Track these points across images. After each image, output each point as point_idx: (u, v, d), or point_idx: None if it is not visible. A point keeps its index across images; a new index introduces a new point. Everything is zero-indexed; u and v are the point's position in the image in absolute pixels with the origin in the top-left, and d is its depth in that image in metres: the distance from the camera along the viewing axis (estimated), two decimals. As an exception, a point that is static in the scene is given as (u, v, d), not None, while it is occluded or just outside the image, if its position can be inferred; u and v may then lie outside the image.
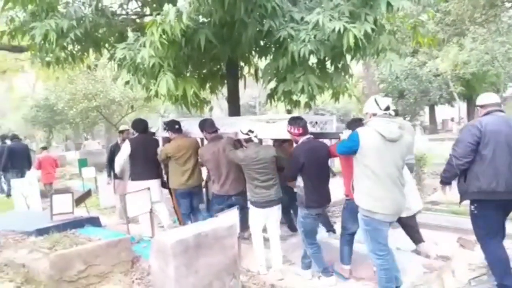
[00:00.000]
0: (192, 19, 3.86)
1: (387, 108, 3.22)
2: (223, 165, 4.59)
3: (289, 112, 6.28)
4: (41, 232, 4.66)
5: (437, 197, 6.75)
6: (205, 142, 5.08)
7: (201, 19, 4.52)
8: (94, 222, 5.39)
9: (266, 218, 4.24)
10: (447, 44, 12.82)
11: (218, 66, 6.10)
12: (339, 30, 3.77)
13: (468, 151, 3.26)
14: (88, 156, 14.40)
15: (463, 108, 22.80)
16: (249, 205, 4.30)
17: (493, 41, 13.74)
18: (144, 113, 19.93)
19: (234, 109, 5.88)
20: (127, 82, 5.30)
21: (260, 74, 6.17)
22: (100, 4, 5.02)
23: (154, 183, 5.26)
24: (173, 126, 5.15)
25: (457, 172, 3.38)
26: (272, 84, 5.27)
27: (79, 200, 6.27)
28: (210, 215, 4.74)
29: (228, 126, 4.98)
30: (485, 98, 3.48)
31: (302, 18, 4.25)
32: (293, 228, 5.33)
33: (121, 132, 6.87)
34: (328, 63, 5.05)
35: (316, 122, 4.72)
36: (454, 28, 12.09)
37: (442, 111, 27.40)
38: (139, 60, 3.92)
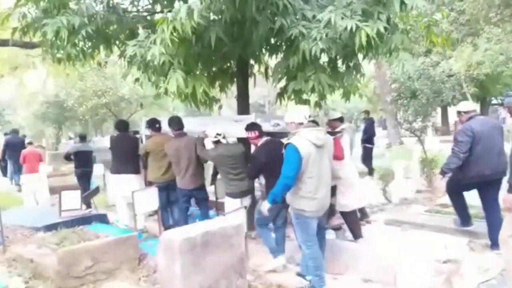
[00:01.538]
0: (203, 17, 3.83)
1: (310, 117, 3.70)
2: (184, 161, 5.02)
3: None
4: (49, 228, 4.71)
5: (447, 200, 6.66)
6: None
7: (212, 16, 4.50)
8: (102, 219, 5.43)
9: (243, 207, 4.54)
10: (461, 44, 12.65)
11: (228, 64, 6.06)
12: (351, 29, 3.72)
13: (467, 148, 4.48)
14: (96, 153, 14.49)
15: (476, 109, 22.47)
16: (225, 196, 4.78)
17: (508, 42, 13.52)
18: (153, 110, 20.01)
19: (244, 107, 5.84)
20: (137, 80, 5.30)
21: (270, 72, 6.13)
22: (111, 1, 5.02)
23: (130, 177, 5.74)
24: (153, 124, 5.65)
25: (459, 164, 4.54)
26: (282, 82, 5.23)
27: (87, 197, 6.31)
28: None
29: (210, 126, 5.11)
30: (467, 105, 4.88)
31: (314, 16, 4.20)
32: None
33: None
34: (339, 62, 5.00)
35: (278, 124, 5.19)
36: (468, 27, 11.94)
37: (455, 112, 27.03)
38: (150, 57, 3.90)
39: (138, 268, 4.04)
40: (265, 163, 4.20)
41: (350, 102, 5.51)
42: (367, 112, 11.02)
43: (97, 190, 6.66)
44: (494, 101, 23.44)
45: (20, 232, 4.85)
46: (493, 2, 9.92)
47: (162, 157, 5.37)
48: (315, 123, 3.95)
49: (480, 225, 5.00)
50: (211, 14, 4.38)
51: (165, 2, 5.15)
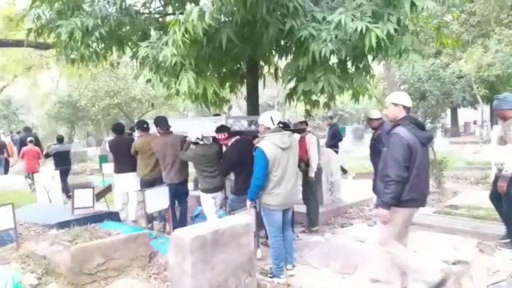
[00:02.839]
0: (214, 19, 3.88)
1: (279, 123, 4.03)
2: (169, 157, 5.45)
3: (308, 112, 6.26)
4: (62, 225, 4.76)
5: (457, 201, 6.62)
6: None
7: (223, 18, 4.54)
8: (114, 217, 5.48)
9: (215, 201, 5.06)
10: (471, 45, 12.55)
11: (238, 65, 6.12)
12: (361, 30, 3.74)
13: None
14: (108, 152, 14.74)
15: (486, 111, 22.28)
16: (200, 192, 5.14)
17: (520, 43, 13.39)
18: (164, 111, 20.16)
19: (253, 108, 5.89)
20: (148, 80, 5.37)
21: (280, 73, 6.17)
22: (124, 3, 5.09)
23: (129, 176, 6.18)
24: (141, 125, 6.15)
25: None
26: (292, 83, 5.26)
27: (99, 195, 6.40)
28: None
29: (193, 126, 5.48)
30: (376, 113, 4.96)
31: (324, 18, 4.23)
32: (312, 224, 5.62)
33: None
34: (349, 63, 5.01)
35: (252, 121, 5.68)
36: (479, 29, 11.84)
37: (465, 114, 26.81)
38: (161, 58, 3.96)
39: (148, 266, 4.08)
40: (236, 160, 4.63)
41: (359, 103, 5.52)
42: (331, 117, 11.01)
43: (109, 188, 6.75)
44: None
45: (33, 229, 4.90)
46: (505, 3, 9.84)
47: (149, 155, 5.79)
48: (286, 126, 4.49)
49: (489, 227, 4.97)
50: (222, 16, 4.43)
51: (177, 4, 5.22)
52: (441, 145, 13.24)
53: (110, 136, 25.01)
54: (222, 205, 5.26)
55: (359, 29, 3.74)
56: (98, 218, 5.10)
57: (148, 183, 5.74)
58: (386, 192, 3.25)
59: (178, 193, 5.57)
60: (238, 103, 20.66)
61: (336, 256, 4.51)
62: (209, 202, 5.06)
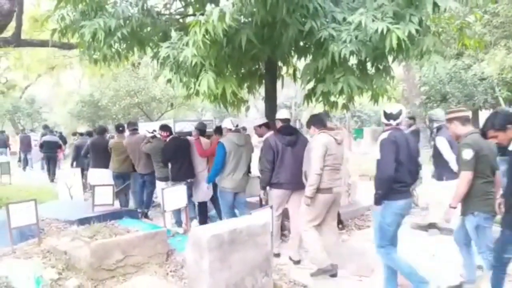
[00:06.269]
0: (234, 19, 3.90)
1: (237, 126, 5.40)
2: (137, 152, 6.62)
3: (326, 113, 6.23)
4: (82, 221, 4.86)
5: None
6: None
7: (243, 19, 4.56)
8: (132, 214, 5.57)
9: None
10: (494, 47, 12.23)
11: (257, 66, 6.13)
12: (382, 31, 3.69)
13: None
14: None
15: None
16: (157, 180, 6.37)
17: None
18: (182, 111, 20.34)
19: (271, 109, 5.88)
20: (169, 80, 5.42)
21: (298, 74, 6.15)
22: (146, 5, 5.17)
23: (103, 171, 7.13)
24: (117, 128, 7.32)
25: None
26: (310, 84, 5.24)
27: (119, 193, 6.52)
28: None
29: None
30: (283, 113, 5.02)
31: (344, 19, 4.20)
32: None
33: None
34: (368, 64, 4.96)
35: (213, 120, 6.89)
36: (502, 30, 11.53)
37: (486, 117, 26.08)
38: (182, 59, 4.00)
39: (165, 263, 4.13)
40: (170, 154, 5.81)
41: (378, 104, 5.46)
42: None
43: (128, 186, 6.88)
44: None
45: (54, 225, 5.01)
46: (531, 4, 9.59)
47: (120, 153, 6.91)
48: (244, 130, 5.90)
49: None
50: (242, 16, 4.44)
51: (197, 5, 5.27)
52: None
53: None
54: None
55: (379, 30, 3.69)
56: (117, 215, 5.19)
57: (119, 176, 6.99)
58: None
59: (146, 182, 6.79)
60: (255, 103, 20.69)
61: (352, 258, 4.48)
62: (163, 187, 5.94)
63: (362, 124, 30.03)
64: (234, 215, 5.23)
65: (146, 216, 6.61)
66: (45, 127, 13.99)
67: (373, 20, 3.76)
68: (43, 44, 10.37)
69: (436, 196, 5.20)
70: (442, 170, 5.07)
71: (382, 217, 3.61)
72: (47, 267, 3.87)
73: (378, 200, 3.58)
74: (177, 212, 5.86)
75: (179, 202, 5.22)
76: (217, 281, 2.94)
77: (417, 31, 3.86)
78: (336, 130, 4.42)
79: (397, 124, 3.61)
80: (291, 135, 4.72)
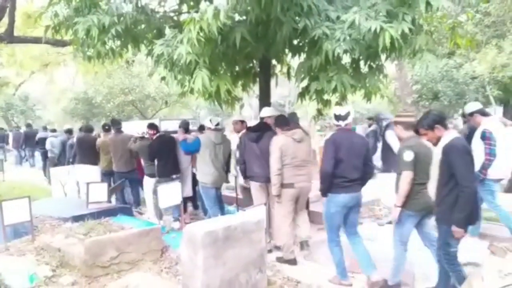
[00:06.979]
0: (229, 17, 3.90)
1: (217, 125, 5.51)
2: (118, 150, 6.91)
3: (319, 111, 6.27)
4: (77, 218, 4.85)
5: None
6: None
7: (237, 17, 4.57)
8: (127, 211, 5.58)
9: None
10: (485, 46, 12.32)
11: (251, 64, 6.14)
12: (375, 30, 3.72)
13: None
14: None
15: (498, 112, 21.84)
16: (146, 177, 6.44)
17: (535, 44, 13.09)
18: (177, 108, 20.30)
19: (265, 107, 5.89)
20: (163, 78, 5.43)
21: (292, 72, 6.17)
22: (140, 2, 5.15)
23: (89, 167, 7.28)
24: (104, 127, 7.56)
25: None
26: (304, 82, 5.26)
27: (113, 190, 6.52)
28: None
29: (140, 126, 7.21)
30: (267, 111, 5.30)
31: (338, 17, 4.22)
32: None
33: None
34: (362, 63, 5.00)
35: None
36: (493, 29, 11.62)
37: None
38: (176, 56, 4.00)
39: (160, 260, 4.15)
40: (156, 151, 6.03)
41: (371, 102, 5.50)
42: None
43: (122, 183, 6.88)
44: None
45: (48, 222, 5.00)
46: (522, 4, 9.67)
47: (107, 152, 7.11)
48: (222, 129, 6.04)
49: (500, 229, 4.93)
50: (237, 14, 4.45)
51: (192, 3, 5.26)
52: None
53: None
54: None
55: (373, 29, 3.72)
56: (111, 212, 5.20)
57: (107, 173, 7.19)
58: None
59: (130, 180, 7.04)
60: (249, 101, 20.69)
61: (345, 254, 4.51)
62: (150, 185, 6.27)
63: (355, 122, 30.12)
64: (219, 208, 5.52)
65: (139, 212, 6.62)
66: (44, 128, 13.93)
67: (366, 19, 3.80)
68: (36, 40, 10.30)
69: (385, 188, 5.28)
70: (392, 162, 5.23)
71: (326, 207, 3.97)
72: (41, 264, 3.86)
73: (323, 193, 3.95)
74: (175, 209, 5.86)
75: (174, 199, 5.23)
76: (211, 277, 2.97)
77: (410, 30, 3.90)
78: (294, 129, 4.66)
79: (346, 125, 3.93)
80: (255, 132, 5.03)
